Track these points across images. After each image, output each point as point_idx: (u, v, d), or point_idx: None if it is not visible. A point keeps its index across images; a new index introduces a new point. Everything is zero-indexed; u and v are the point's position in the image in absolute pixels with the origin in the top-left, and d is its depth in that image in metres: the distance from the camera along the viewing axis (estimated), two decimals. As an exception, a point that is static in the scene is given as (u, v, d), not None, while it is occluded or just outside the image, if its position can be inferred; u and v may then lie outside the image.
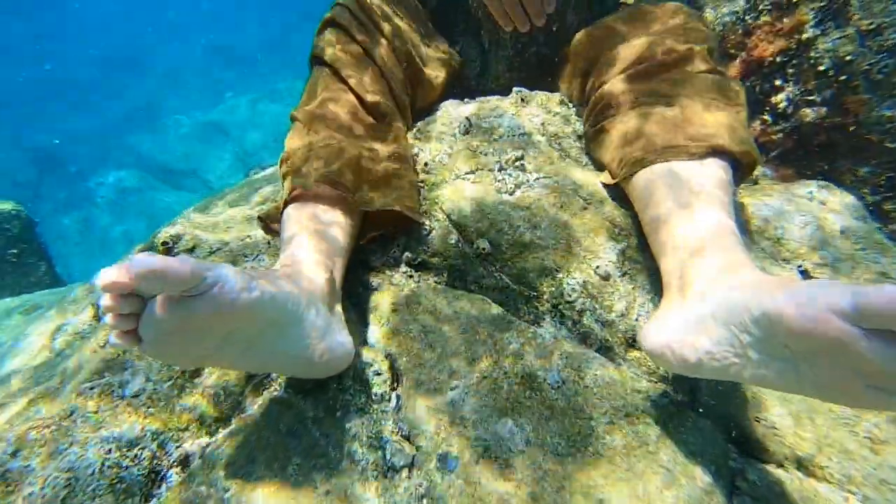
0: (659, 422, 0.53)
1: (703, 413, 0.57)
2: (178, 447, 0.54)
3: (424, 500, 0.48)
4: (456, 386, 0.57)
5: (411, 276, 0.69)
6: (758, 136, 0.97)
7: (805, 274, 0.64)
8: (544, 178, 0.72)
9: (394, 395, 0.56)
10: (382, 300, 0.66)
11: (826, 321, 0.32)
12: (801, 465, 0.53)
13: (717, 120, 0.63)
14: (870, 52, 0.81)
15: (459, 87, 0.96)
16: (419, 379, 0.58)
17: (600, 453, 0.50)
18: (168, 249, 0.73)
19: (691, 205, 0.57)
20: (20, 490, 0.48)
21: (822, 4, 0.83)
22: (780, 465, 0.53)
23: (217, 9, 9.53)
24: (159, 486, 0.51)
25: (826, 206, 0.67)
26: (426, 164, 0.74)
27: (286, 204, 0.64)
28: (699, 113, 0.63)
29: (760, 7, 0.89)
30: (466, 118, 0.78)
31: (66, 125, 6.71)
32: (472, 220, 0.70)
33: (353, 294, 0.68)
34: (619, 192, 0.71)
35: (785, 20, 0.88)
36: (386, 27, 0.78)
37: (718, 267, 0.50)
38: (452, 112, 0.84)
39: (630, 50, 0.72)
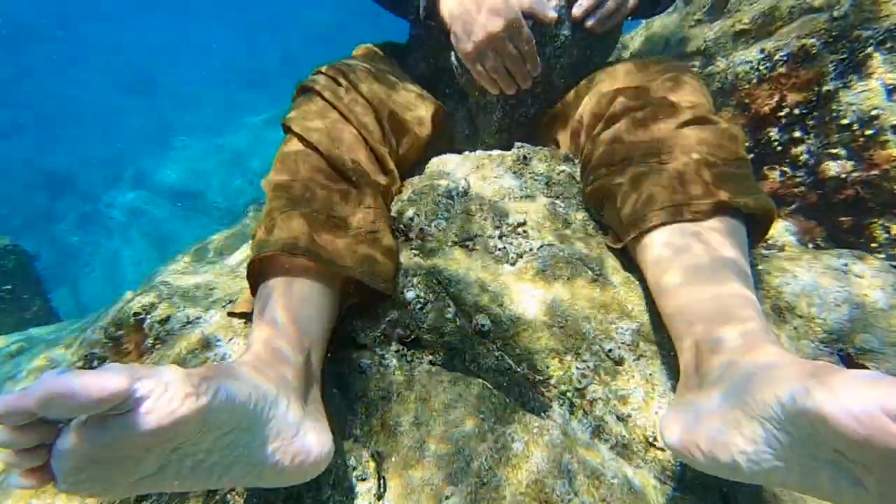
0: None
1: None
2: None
3: None
4: (451, 495, 0.50)
5: (404, 356, 0.63)
6: (777, 187, 0.91)
7: (847, 360, 0.56)
8: (548, 245, 0.67)
9: (379, 508, 0.49)
10: (370, 386, 0.59)
11: (883, 428, 0.27)
12: None
13: (720, 174, 0.58)
14: (897, 105, 0.76)
15: (450, 145, 0.93)
16: (409, 485, 0.51)
17: None
18: (140, 322, 0.68)
19: (702, 271, 0.52)
20: None
21: (842, 57, 0.79)
22: None
23: (230, 31, 9.93)
24: None
25: (864, 281, 0.60)
26: (421, 230, 0.69)
27: (255, 276, 0.59)
28: (698, 168, 0.59)
29: (776, 58, 0.85)
30: (465, 179, 0.74)
31: (80, 147, 6.90)
32: (471, 293, 0.64)
33: (337, 375, 0.62)
34: (629, 258, 0.66)
35: (802, 71, 0.83)
36: (362, 84, 0.76)
37: (738, 346, 0.44)
38: (450, 169, 0.80)
39: (618, 104, 0.69)
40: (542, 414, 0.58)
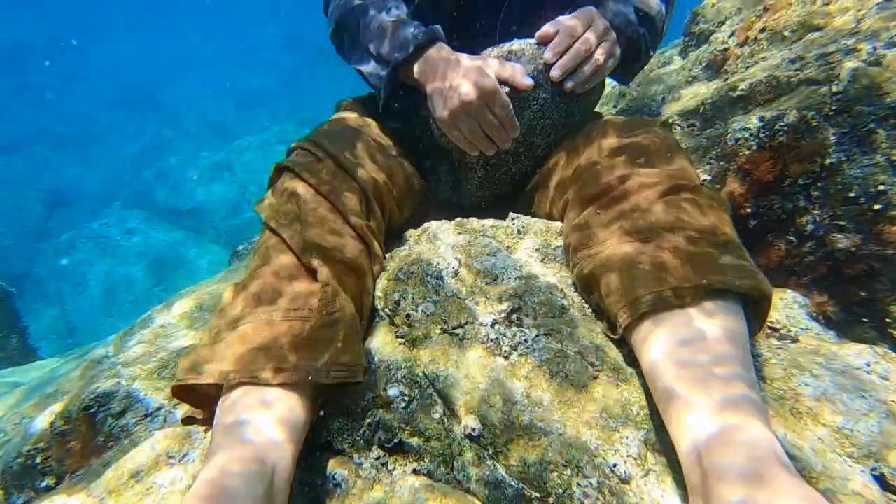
0: None
1: None
2: None
3: None
4: None
5: (384, 464, 0.56)
6: (784, 256, 0.87)
7: (882, 481, 0.50)
8: (545, 335, 0.61)
9: None
10: (346, 503, 0.52)
11: None
12: None
13: (708, 255, 0.54)
14: (905, 181, 0.73)
15: (432, 203, 0.90)
16: None
17: None
18: (90, 416, 0.61)
19: (696, 374, 0.48)
20: None
21: (845, 130, 0.77)
22: None
23: (230, 49, 10.12)
24: None
25: (891, 385, 0.55)
26: (408, 316, 0.63)
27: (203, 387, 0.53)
28: (683, 249, 0.55)
29: (776, 127, 0.83)
30: (455, 258, 0.69)
31: (77, 165, 6.89)
32: (460, 391, 0.58)
33: (309, 485, 0.55)
34: (629, 347, 0.60)
35: (803, 142, 0.81)
36: (344, 156, 0.72)
37: (745, 477, 0.40)
38: (440, 241, 0.75)
39: (600, 176, 0.66)
40: (540, 539, 0.51)
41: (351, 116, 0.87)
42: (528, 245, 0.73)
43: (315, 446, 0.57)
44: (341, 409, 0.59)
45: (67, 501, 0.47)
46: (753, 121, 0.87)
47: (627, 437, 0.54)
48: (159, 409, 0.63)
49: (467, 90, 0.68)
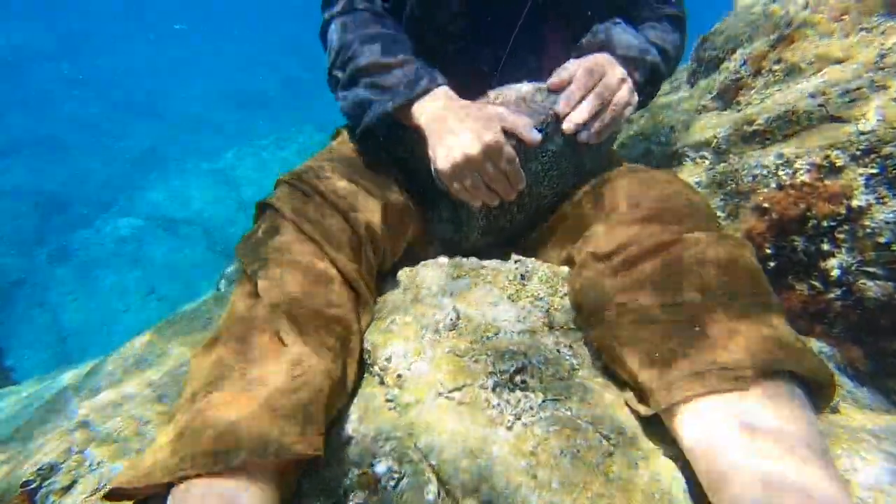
0: None
1: None
2: None
3: None
4: None
5: (369, 556, 0.49)
6: (807, 301, 0.81)
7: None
8: (553, 400, 0.55)
9: None
10: None
11: None
12: None
13: (757, 332, 0.48)
14: (941, 228, 0.68)
15: (433, 244, 0.84)
16: None
17: None
18: (31, 493, 0.53)
19: (759, 457, 0.42)
20: None
21: (874, 171, 0.71)
22: None
23: (231, 54, 10.14)
24: None
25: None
26: (399, 376, 0.57)
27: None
28: (724, 323, 0.49)
29: (797, 165, 0.78)
30: (454, 308, 0.63)
31: (74, 171, 6.84)
32: (458, 468, 0.51)
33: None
34: (651, 419, 0.54)
35: (828, 182, 0.76)
36: (335, 192, 0.67)
37: None
38: (436, 286, 0.69)
39: (615, 231, 0.60)
40: None
41: (348, 147, 0.81)
42: (533, 292, 0.67)
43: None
44: (320, 485, 0.52)
45: None
46: (771, 158, 0.82)
47: (649, 530, 0.47)
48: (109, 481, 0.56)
49: (471, 144, 0.62)
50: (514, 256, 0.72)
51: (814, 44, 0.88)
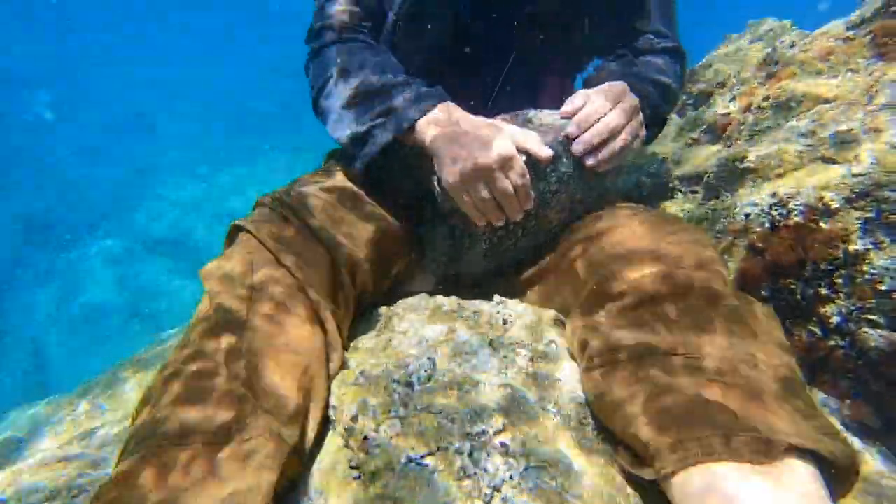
0: None
1: None
2: None
3: None
4: None
5: None
6: (806, 348, 0.77)
7: None
8: (535, 468, 0.49)
9: None
10: None
11: None
12: None
13: (781, 398, 0.45)
14: (943, 275, 0.65)
15: (423, 274, 0.80)
16: None
17: None
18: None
19: None
20: None
21: (869, 215, 0.69)
22: None
23: (222, 75, 10.18)
24: None
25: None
26: (366, 439, 0.51)
27: None
28: (741, 375, 0.46)
29: (790, 206, 0.75)
30: (428, 358, 0.58)
31: (60, 191, 6.74)
32: (426, 549, 0.45)
33: None
34: (643, 485, 0.48)
35: (822, 224, 0.73)
36: (316, 218, 0.64)
37: None
38: (413, 331, 0.64)
39: (628, 272, 0.56)
40: None
41: (340, 173, 0.77)
42: (514, 339, 0.62)
43: None
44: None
45: None
46: (764, 196, 0.80)
47: None
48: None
49: (484, 153, 0.60)
50: (497, 298, 0.68)
51: (802, 82, 0.87)
